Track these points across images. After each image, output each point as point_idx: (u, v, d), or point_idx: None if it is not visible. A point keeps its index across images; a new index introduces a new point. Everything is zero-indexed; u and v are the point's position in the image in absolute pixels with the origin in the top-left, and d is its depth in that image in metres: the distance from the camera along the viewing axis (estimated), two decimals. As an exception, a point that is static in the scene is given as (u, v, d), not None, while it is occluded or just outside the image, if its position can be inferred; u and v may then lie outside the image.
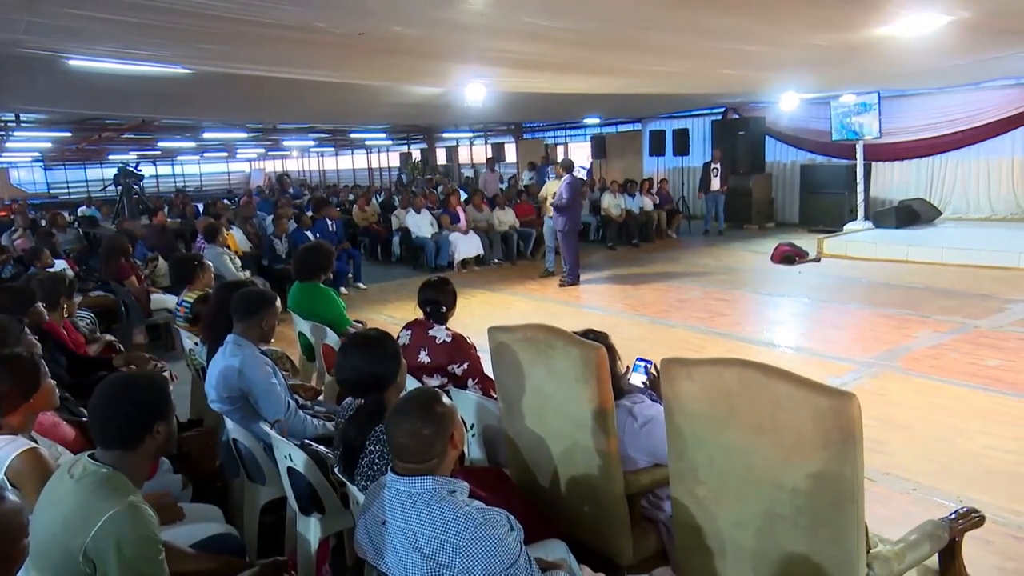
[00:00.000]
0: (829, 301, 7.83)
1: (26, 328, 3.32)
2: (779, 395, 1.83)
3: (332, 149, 30.90)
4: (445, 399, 1.93)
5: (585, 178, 16.78)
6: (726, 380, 1.96)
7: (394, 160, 27.82)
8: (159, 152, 25.49)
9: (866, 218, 11.72)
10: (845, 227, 11.70)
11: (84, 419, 2.76)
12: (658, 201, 13.48)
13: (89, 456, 1.88)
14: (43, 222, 11.87)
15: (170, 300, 6.27)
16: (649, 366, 2.90)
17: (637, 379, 2.88)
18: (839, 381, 5.05)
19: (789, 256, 10.04)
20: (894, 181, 13.07)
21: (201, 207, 14.64)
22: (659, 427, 2.27)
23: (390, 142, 26.22)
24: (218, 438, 3.35)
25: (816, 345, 6.17)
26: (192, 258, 5.44)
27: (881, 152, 12.55)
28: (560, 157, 18.58)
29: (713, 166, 13.28)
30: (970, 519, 2.38)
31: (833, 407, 1.73)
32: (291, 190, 19.00)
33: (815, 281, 8.85)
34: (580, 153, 20.34)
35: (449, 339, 3.45)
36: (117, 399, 1.90)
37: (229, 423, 2.97)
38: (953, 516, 2.38)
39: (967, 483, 3.56)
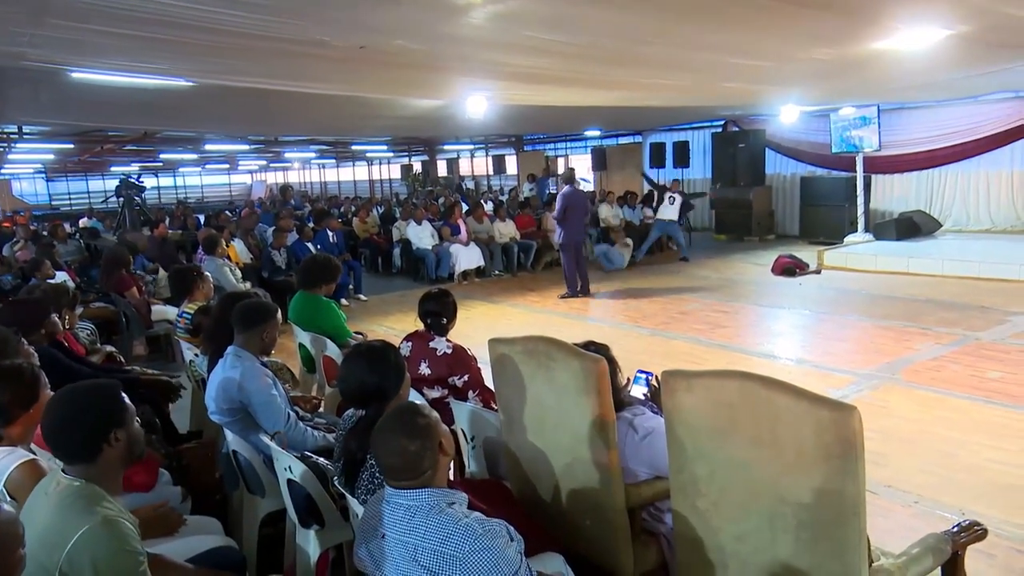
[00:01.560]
0: (830, 313, 7.82)
1: (23, 339, 3.32)
2: (780, 407, 1.83)
3: (333, 161, 31.03)
4: (425, 409, 1.91)
5: (591, 189, 16.70)
6: (727, 392, 1.95)
7: (395, 172, 27.90)
8: (161, 164, 25.62)
9: (866, 230, 11.74)
10: (845, 239, 11.72)
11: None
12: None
13: (63, 470, 1.86)
14: (44, 233, 11.90)
15: (171, 311, 6.27)
16: (650, 378, 2.89)
17: (638, 391, 2.88)
18: (840, 393, 5.03)
19: (790, 268, 10.04)
20: (894, 193, 13.10)
21: (202, 218, 14.67)
22: (660, 439, 2.26)
23: (391, 154, 26.33)
24: (218, 450, 3.34)
25: (817, 357, 6.15)
26: (190, 269, 5.44)
27: (881, 164, 12.59)
28: (561, 169, 18.64)
29: (669, 194, 11.88)
30: (973, 532, 2.37)
31: (834, 419, 1.72)
32: (292, 201, 19.06)
33: (816, 293, 8.85)
34: (581, 165, 20.40)
35: (450, 351, 3.45)
36: (64, 413, 1.86)
37: (229, 435, 2.96)
38: (955, 529, 2.36)
39: (969, 496, 3.55)
